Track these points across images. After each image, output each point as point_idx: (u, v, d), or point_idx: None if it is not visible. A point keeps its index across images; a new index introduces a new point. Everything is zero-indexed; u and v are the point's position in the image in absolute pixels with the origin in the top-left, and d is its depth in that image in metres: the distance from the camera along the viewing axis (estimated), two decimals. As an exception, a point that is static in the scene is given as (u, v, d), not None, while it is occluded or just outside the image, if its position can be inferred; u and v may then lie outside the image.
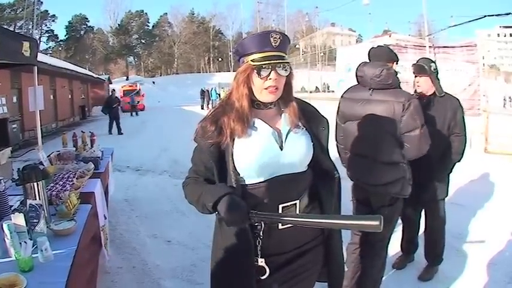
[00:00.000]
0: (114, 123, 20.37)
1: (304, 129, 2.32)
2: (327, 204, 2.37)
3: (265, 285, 2.27)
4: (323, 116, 2.45)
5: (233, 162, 2.22)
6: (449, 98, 4.19)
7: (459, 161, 4.18)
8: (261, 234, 2.22)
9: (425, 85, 4.17)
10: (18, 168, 3.48)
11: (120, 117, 20.81)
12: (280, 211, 2.22)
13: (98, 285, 3.86)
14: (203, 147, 2.27)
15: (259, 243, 2.23)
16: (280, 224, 2.22)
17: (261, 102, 2.27)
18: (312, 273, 2.43)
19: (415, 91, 4.29)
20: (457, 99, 4.24)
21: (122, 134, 19.86)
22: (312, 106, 2.46)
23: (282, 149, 2.23)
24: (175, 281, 4.68)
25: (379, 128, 3.52)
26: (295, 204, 2.26)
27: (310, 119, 2.36)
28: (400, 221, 4.45)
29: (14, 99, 16.64)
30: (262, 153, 2.19)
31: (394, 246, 4.67)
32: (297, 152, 2.24)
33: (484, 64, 15.28)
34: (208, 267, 2.49)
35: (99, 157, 5.77)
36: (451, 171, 4.26)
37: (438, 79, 4.17)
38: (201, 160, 2.33)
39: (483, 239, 5.19)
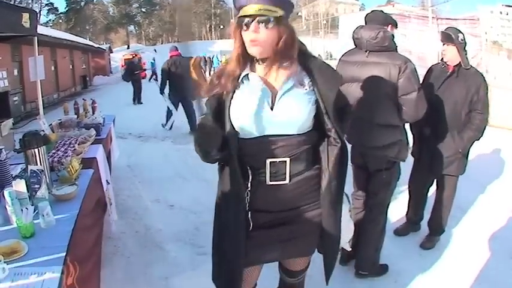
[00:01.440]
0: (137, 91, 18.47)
1: (310, 89, 2.25)
2: (326, 171, 2.31)
3: (253, 243, 2.33)
4: (336, 72, 2.41)
5: (229, 117, 2.24)
6: (475, 73, 4.06)
7: (478, 139, 4.10)
8: (249, 186, 2.25)
9: (450, 54, 4.03)
10: (20, 138, 3.45)
11: (142, 85, 18.78)
12: (267, 166, 2.21)
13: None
14: (208, 99, 2.31)
15: (247, 195, 2.26)
16: (268, 180, 2.23)
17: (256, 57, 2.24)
18: (302, 242, 2.43)
19: (442, 59, 4.20)
20: (482, 75, 4.10)
21: (141, 103, 18.33)
22: (325, 63, 2.38)
23: (272, 109, 2.20)
24: (178, 245, 4.69)
25: (375, 90, 3.48)
26: (285, 162, 2.22)
27: (318, 78, 2.26)
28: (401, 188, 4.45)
29: (15, 72, 16.54)
30: (251, 112, 2.19)
31: (398, 214, 4.70)
32: (288, 115, 2.20)
33: (486, 40, 15.03)
34: (211, 230, 2.52)
35: (100, 123, 5.73)
36: (469, 149, 4.18)
37: (465, 51, 4.02)
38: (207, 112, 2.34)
39: (485, 211, 5.12)
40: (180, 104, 10.75)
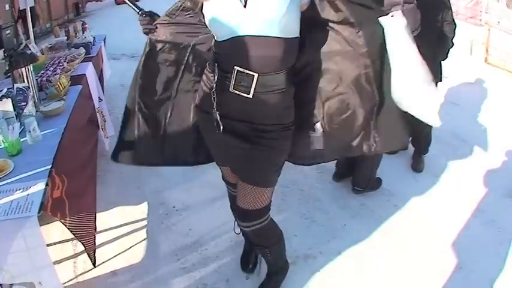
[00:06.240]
0: None
1: None
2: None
3: (217, 145, 2.40)
4: None
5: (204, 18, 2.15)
6: None
7: (452, 46, 4.05)
8: (215, 86, 2.16)
9: None
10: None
11: None
12: (234, 73, 2.09)
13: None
14: None
15: (213, 94, 2.18)
16: (232, 87, 2.11)
17: None
18: (256, 164, 2.33)
19: None
20: None
21: None
22: None
23: (245, 7, 2.00)
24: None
25: None
26: (253, 76, 2.07)
27: None
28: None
29: (7, 7, 16.16)
30: (222, 11, 2.04)
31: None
32: (262, 11, 1.99)
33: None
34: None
35: (90, 42, 5.50)
36: (446, 57, 4.10)
37: None
38: None
39: (484, 145, 4.91)
40: None
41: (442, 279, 2.94)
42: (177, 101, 2.51)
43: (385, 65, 2.21)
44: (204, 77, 2.33)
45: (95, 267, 2.89)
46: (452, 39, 4.01)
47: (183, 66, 2.45)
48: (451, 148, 4.75)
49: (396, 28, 2.12)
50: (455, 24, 3.99)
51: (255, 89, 2.09)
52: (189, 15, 2.36)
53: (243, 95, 2.10)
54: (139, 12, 2.38)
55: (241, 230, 2.65)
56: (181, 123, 2.53)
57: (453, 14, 4.03)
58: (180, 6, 2.35)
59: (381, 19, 2.12)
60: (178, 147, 2.59)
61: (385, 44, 2.15)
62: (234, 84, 2.10)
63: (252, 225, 2.43)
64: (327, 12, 2.11)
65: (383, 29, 2.13)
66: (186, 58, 2.44)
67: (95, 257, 2.81)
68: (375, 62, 2.19)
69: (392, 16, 2.11)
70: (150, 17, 2.38)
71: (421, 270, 3.01)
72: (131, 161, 2.60)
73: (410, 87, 2.22)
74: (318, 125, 2.36)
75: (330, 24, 2.15)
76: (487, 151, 4.69)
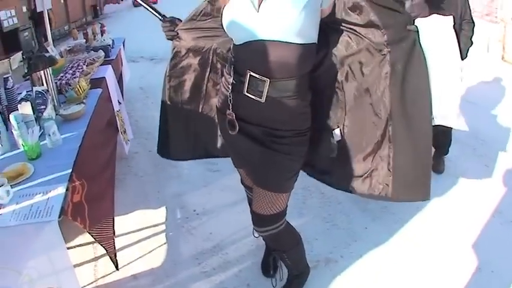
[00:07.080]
0: None
1: None
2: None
3: (234, 147, 2.40)
4: None
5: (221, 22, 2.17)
6: None
7: (471, 45, 3.98)
8: (231, 88, 2.17)
9: None
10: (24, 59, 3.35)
11: None
12: (247, 77, 2.08)
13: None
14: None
15: (230, 96, 2.18)
16: (245, 90, 2.10)
17: None
18: (271, 169, 2.27)
19: None
20: None
21: None
22: None
23: (258, 11, 1.98)
24: (190, 162, 4.42)
25: None
26: (265, 81, 2.04)
27: None
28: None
29: (24, 9, 16.29)
30: (237, 15, 2.04)
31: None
32: (275, 16, 1.95)
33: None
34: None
35: (109, 45, 5.50)
36: (466, 56, 4.02)
37: None
38: None
39: (500, 139, 4.80)
40: None
41: (461, 280, 2.88)
42: (207, 99, 2.59)
43: (407, 76, 2.07)
44: (223, 78, 2.33)
45: (117, 269, 2.89)
46: (471, 37, 3.95)
47: (208, 69, 2.51)
48: (470, 148, 4.66)
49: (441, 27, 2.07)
50: (473, 22, 3.93)
51: (267, 93, 2.06)
52: (209, 20, 2.38)
53: (256, 98, 2.09)
54: (161, 19, 2.43)
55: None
56: (211, 120, 2.59)
57: (471, 12, 3.97)
58: (201, 11, 2.37)
59: (421, 21, 2.03)
60: (208, 143, 2.71)
61: (412, 52, 2.04)
62: (248, 88, 2.09)
63: (266, 230, 2.40)
64: (350, 16, 2.05)
65: (413, 37, 2.03)
66: (210, 61, 2.49)
67: (116, 260, 2.80)
68: (395, 67, 2.05)
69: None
70: (171, 23, 2.42)
71: (442, 273, 2.95)
72: (169, 155, 2.92)
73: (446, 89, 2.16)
74: (337, 131, 2.30)
75: (354, 27, 2.08)
76: (506, 151, 4.59)
